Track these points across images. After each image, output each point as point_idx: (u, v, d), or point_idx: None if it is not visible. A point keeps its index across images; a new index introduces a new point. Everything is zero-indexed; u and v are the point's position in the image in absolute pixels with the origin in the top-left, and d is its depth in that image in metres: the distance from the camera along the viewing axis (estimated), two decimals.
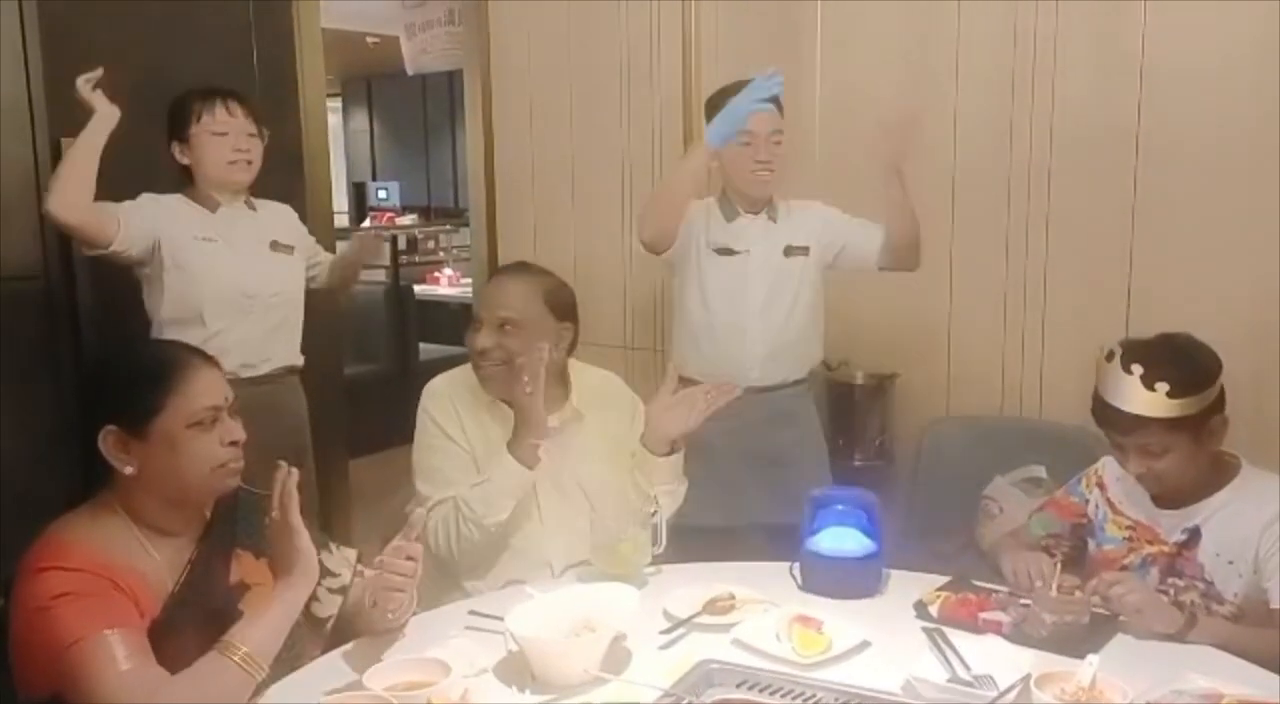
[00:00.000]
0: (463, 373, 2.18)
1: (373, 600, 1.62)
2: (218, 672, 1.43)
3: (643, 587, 1.85)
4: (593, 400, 2.18)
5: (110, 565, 1.47)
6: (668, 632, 1.72)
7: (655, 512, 1.96)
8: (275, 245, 2.71)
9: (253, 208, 2.72)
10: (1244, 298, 2.60)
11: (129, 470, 1.52)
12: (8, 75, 2.51)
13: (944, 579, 1.90)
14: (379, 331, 5.71)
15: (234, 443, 1.58)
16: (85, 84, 2.36)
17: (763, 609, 1.77)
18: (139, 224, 2.49)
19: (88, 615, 1.41)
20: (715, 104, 2.57)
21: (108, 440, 1.51)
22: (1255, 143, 2.57)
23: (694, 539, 2.20)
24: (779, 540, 2.40)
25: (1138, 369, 1.74)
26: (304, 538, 1.52)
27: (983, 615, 1.73)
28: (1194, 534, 1.84)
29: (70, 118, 2.44)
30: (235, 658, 1.43)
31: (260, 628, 1.48)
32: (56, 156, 2.58)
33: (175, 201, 2.60)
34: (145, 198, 2.56)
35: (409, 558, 1.61)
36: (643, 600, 1.70)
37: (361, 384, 4.80)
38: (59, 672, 1.39)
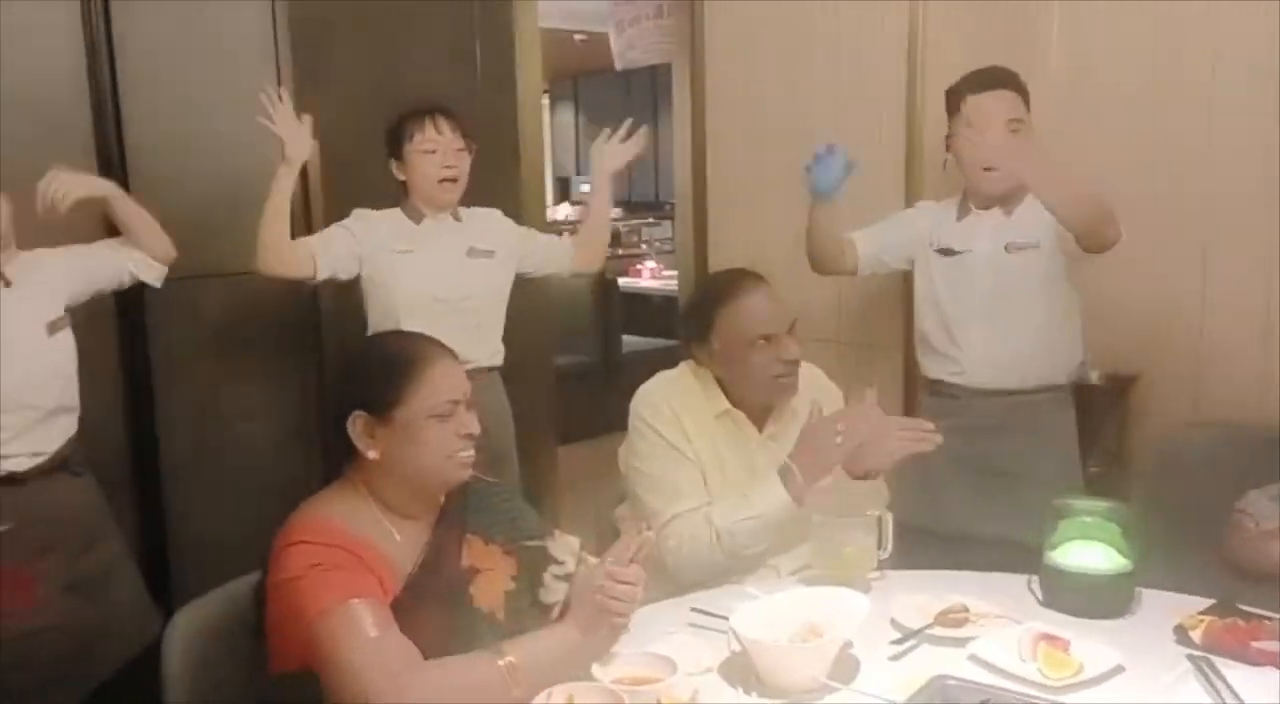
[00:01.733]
0: (678, 379, 2.14)
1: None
2: (480, 670, 1.44)
3: (867, 592, 1.77)
4: (802, 398, 2.12)
5: (358, 543, 1.53)
6: (898, 642, 1.64)
7: (879, 515, 1.88)
8: (473, 252, 2.77)
9: (458, 218, 2.80)
10: None
11: (372, 455, 1.57)
12: (257, 77, 2.66)
13: (1206, 602, 1.74)
14: (585, 324, 5.81)
15: (468, 435, 1.61)
16: (274, 105, 2.46)
17: (1001, 624, 1.67)
18: (335, 251, 2.63)
19: (337, 586, 1.46)
20: (955, 90, 2.49)
21: (356, 424, 1.57)
22: None
23: (913, 542, 2.10)
24: (996, 555, 2.20)
25: None
26: (622, 606, 1.51)
27: (1255, 645, 1.57)
28: None
29: (317, 119, 2.59)
30: (501, 663, 1.44)
31: (535, 647, 1.49)
32: None
33: (384, 216, 2.72)
34: (354, 216, 2.69)
35: (629, 582, 1.56)
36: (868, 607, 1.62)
37: (569, 374, 4.89)
38: (309, 641, 1.45)
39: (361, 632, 1.43)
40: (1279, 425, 2.64)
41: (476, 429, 1.62)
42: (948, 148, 2.55)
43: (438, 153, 2.67)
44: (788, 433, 2.07)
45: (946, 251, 2.53)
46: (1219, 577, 2.32)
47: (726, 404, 2.07)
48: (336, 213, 2.78)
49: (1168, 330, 2.82)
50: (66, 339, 2.16)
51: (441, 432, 1.58)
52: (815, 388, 2.16)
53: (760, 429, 2.10)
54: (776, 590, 1.69)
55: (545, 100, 10.18)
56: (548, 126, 10.32)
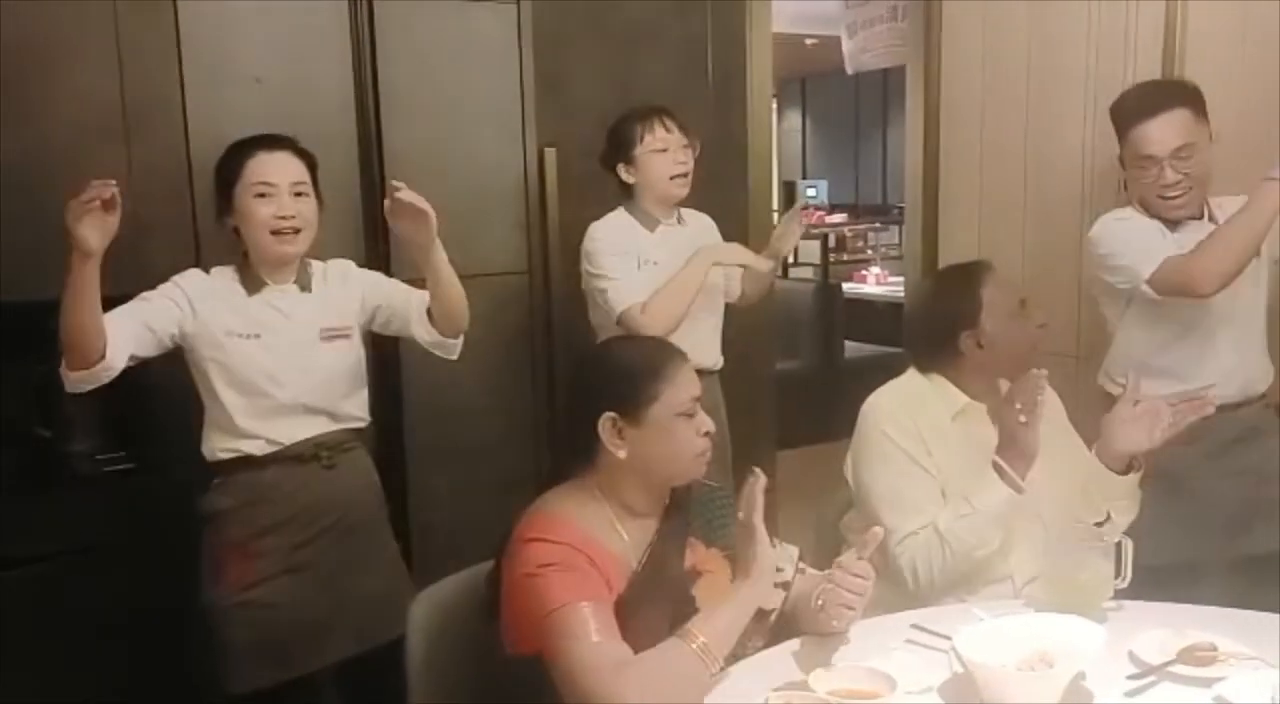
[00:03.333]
0: (909, 385, 2.11)
1: (820, 603, 1.62)
2: (677, 657, 1.50)
3: (1102, 623, 1.69)
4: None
5: (589, 542, 1.60)
6: (1136, 678, 1.56)
7: (1119, 541, 1.79)
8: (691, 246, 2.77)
9: (682, 221, 2.84)
10: None
11: (621, 454, 1.65)
12: (501, 82, 2.79)
13: None
14: (807, 328, 5.78)
15: (707, 433, 1.68)
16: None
17: (1254, 666, 1.55)
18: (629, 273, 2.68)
19: (568, 586, 1.54)
20: (1113, 120, 2.42)
21: (607, 426, 1.65)
22: None
23: (1161, 577, 1.99)
24: (1268, 575, 2.20)
25: None
26: (765, 542, 1.58)
27: None
28: None
29: (554, 126, 2.68)
30: (694, 646, 1.50)
31: (718, 622, 1.55)
32: (543, 160, 2.85)
33: (620, 225, 2.75)
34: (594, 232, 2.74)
35: (860, 576, 1.61)
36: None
37: (789, 380, 4.88)
38: (541, 633, 1.53)
39: (586, 634, 1.50)
40: None
41: (714, 427, 1.70)
42: (1124, 166, 2.44)
43: (669, 151, 2.72)
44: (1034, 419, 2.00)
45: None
46: None
47: (963, 399, 2.05)
48: (569, 219, 2.88)
49: None
50: (340, 348, 2.20)
51: (688, 429, 1.66)
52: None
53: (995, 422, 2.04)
54: (1003, 614, 1.64)
55: (773, 103, 10.22)
56: (775, 131, 10.34)
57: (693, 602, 1.66)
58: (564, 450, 1.76)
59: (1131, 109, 2.38)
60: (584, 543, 1.60)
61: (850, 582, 1.61)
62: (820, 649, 1.64)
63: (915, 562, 1.95)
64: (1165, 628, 1.66)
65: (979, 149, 3.54)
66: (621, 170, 2.77)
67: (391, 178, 2.18)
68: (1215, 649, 1.60)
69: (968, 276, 2.11)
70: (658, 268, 2.71)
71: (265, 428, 2.12)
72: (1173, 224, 2.39)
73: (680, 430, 1.65)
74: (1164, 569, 2.14)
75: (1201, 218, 2.40)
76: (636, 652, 1.52)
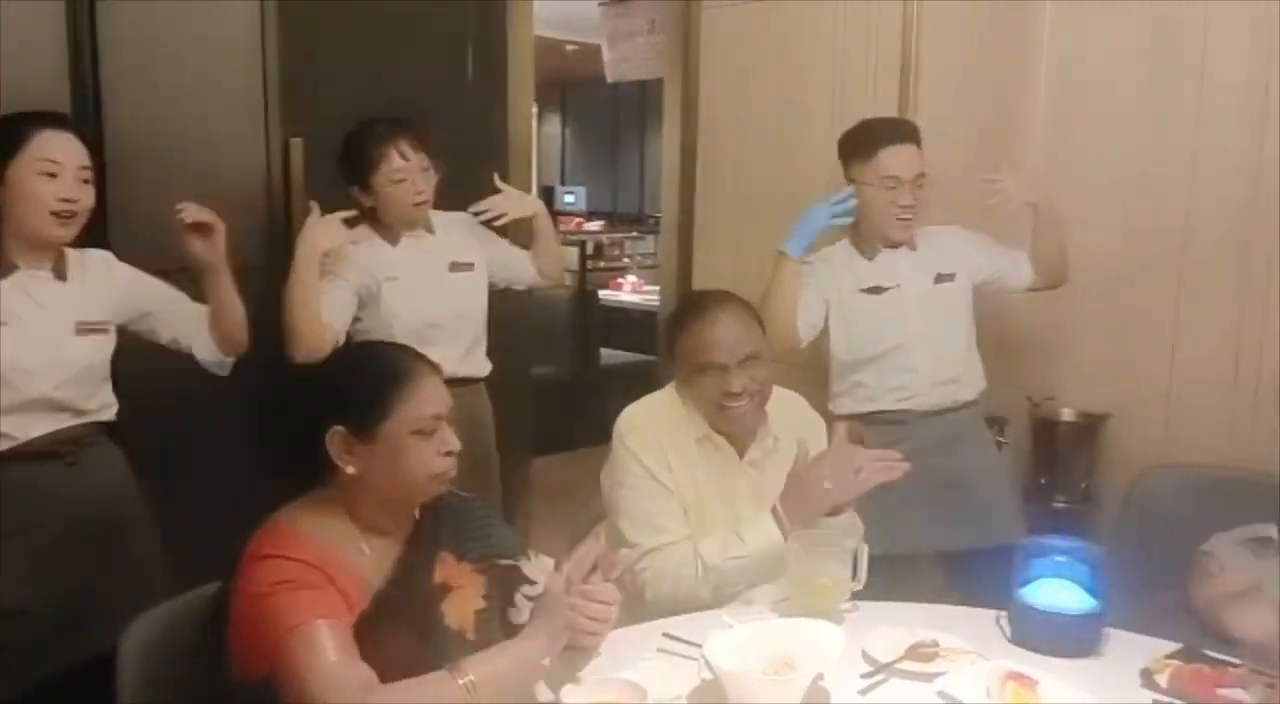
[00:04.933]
0: (662, 402, 2.12)
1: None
2: (439, 690, 1.42)
3: (839, 624, 1.77)
4: (785, 425, 2.12)
5: (328, 559, 1.51)
6: (868, 676, 1.64)
7: (856, 547, 1.88)
8: (455, 266, 2.72)
9: (431, 230, 2.72)
10: None
11: (351, 470, 1.55)
12: (245, 68, 2.63)
13: (1171, 645, 1.75)
14: (563, 335, 5.80)
15: (449, 453, 1.60)
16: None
17: (970, 660, 1.67)
18: (340, 307, 2.52)
19: (304, 604, 1.45)
20: (846, 144, 2.63)
21: (334, 440, 1.55)
22: None
23: (876, 566, 2.10)
24: (958, 568, 2.49)
25: None
26: (596, 626, 1.54)
27: (1221, 691, 1.58)
28: None
29: (304, 116, 2.53)
30: (461, 681, 1.42)
31: (493, 666, 1.47)
32: (288, 151, 2.69)
33: (356, 241, 2.59)
34: (349, 256, 2.57)
35: (604, 601, 1.58)
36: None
37: (545, 386, 4.87)
38: (274, 655, 1.43)
39: (323, 654, 1.41)
40: (1246, 469, 2.68)
41: (457, 446, 1.61)
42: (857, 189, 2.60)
43: (408, 181, 2.57)
44: (768, 460, 2.08)
45: (875, 289, 2.61)
46: (1185, 619, 2.35)
47: (706, 429, 2.06)
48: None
49: (1139, 371, 2.86)
50: (97, 342, 2.08)
51: (425, 449, 1.57)
52: (796, 416, 2.17)
53: (741, 455, 2.09)
54: (751, 620, 1.69)
55: (534, 108, 10.22)
56: (535, 134, 10.34)
57: (441, 619, 1.60)
58: (291, 463, 1.63)
59: (883, 132, 2.61)
60: (322, 559, 1.50)
61: (594, 609, 1.56)
62: (569, 664, 1.61)
63: (657, 580, 1.95)
64: (895, 626, 1.76)
65: (733, 162, 3.66)
66: (358, 193, 2.61)
67: (110, 159, 2.04)
68: (938, 646, 1.71)
69: (678, 312, 2.13)
70: (399, 282, 2.60)
71: (3, 422, 1.94)
72: (873, 252, 2.64)
73: (416, 449, 1.56)
74: (884, 558, 2.30)
75: (899, 247, 2.64)
76: (379, 672, 1.45)
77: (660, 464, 2.01)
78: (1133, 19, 2.83)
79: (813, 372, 2.71)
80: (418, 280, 2.64)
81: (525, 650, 1.50)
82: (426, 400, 1.57)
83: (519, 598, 1.68)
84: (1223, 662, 1.68)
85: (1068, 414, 2.87)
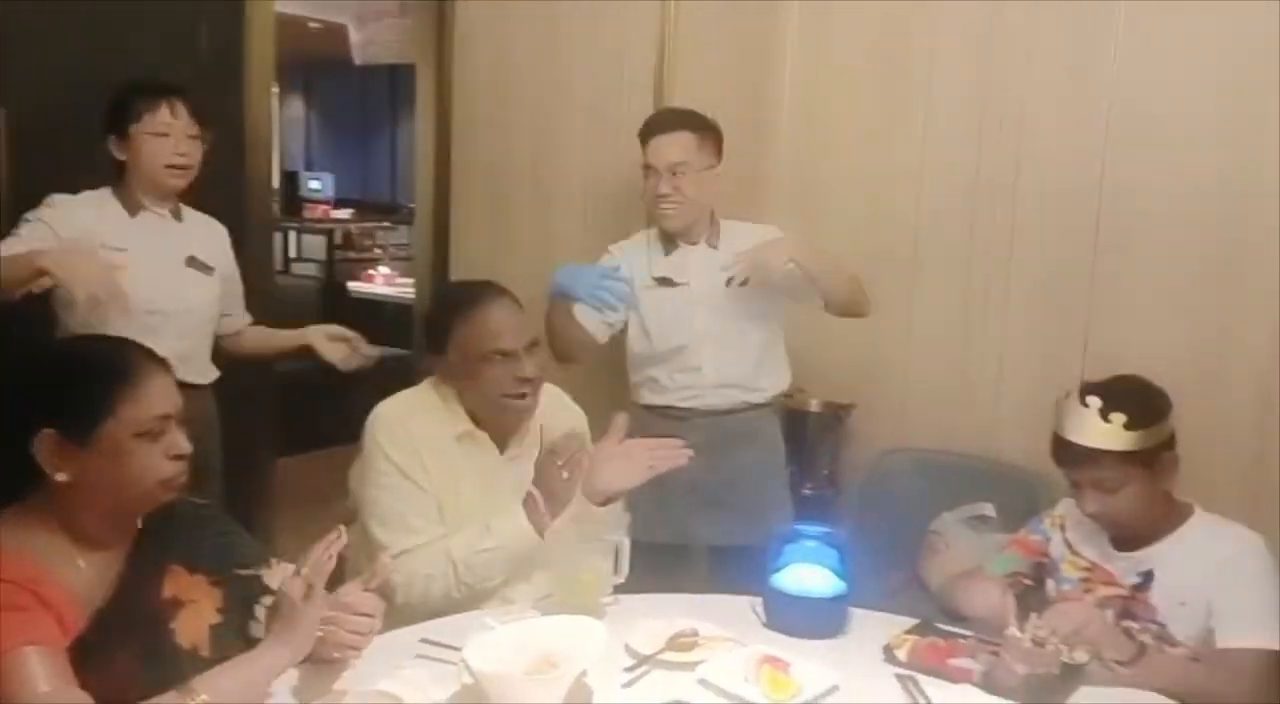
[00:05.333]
0: (418, 397, 2.03)
1: (320, 635, 1.50)
2: None
3: (601, 618, 1.76)
4: (548, 418, 2.10)
5: (36, 577, 1.35)
6: (631, 669, 1.64)
7: (617, 541, 1.88)
8: (192, 261, 2.53)
9: (179, 218, 2.54)
10: (1194, 348, 2.62)
11: (61, 478, 1.39)
12: None
13: (909, 621, 1.86)
14: None
15: (179, 456, 1.45)
16: None
17: (728, 647, 1.71)
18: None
19: (8, 629, 1.29)
20: (644, 134, 2.59)
21: (43, 444, 1.38)
22: (1211, 200, 2.60)
23: (642, 556, 2.13)
24: (731, 563, 2.45)
25: (1095, 402, 1.79)
26: (317, 610, 1.42)
27: (952, 662, 1.69)
28: (1148, 577, 1.86)
29: (12, 87, 2.26)
30: (192, 702, 1.31)
31: (228, 681, 1.36)
32: None
33: (89, 202, 2.40)
34: (50, 205, 2.35)
35: (366, 614, 1.50)
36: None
37: (291, 382, 4.62)
38: None
39: (32, 685, 1.27)
40: (970, 453, 2.91)
41: (188, 448, 1.47)
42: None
43: (171, 138, 2.42)
44: (531, 455, 2.03)
45: (665, 281, 2.60)
46: (921, 595, 2.51)
47: (468, 424, 2.00)
48: (22, 186, 2.48)
49: (878, 363, 3.03)
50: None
51: (151, 453, 1.42)
52: (558, 410, 2.14)
53: (502, 451, 2.04)
54: (512, 620, 1.65)
55: (275, 90, 9.69)
56: (277, 119, 9.82)
57: (172, 637, 1.46)
58: None
59: (656, 121, 2.61)
60: (30, 578, 1.34)
61: (355, 621, 1.48)
62: (321, 677, 1.52)
63: (408, 583, 1.88)
64: (656, 618, 1.78)
65: (493, 152, 3.58)
66: (113, 144, 2.42)
67: None
68: (697, 635, 1.74)
69: (451, 301, 2.06)
70: (127, 256, 2.36)
71: None
72: (671, 246, 2.61)
73: (140, 453, 1.40)
74: (658, 548, 2.32)
75: (697, 243, 2.61)
76: (103, 699, 1.31)
77: (414, 463, 1.94)
78: (864, 20, 3.00)
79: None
80: (147, 261, 2.41)
81: (262, 664, 1.40)
82: (153, 399, 1.43)
83: (260, 610, 1.57)
84: (954, 634, 1.81)
85: (815, 405, 3.00)
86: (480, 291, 2.04)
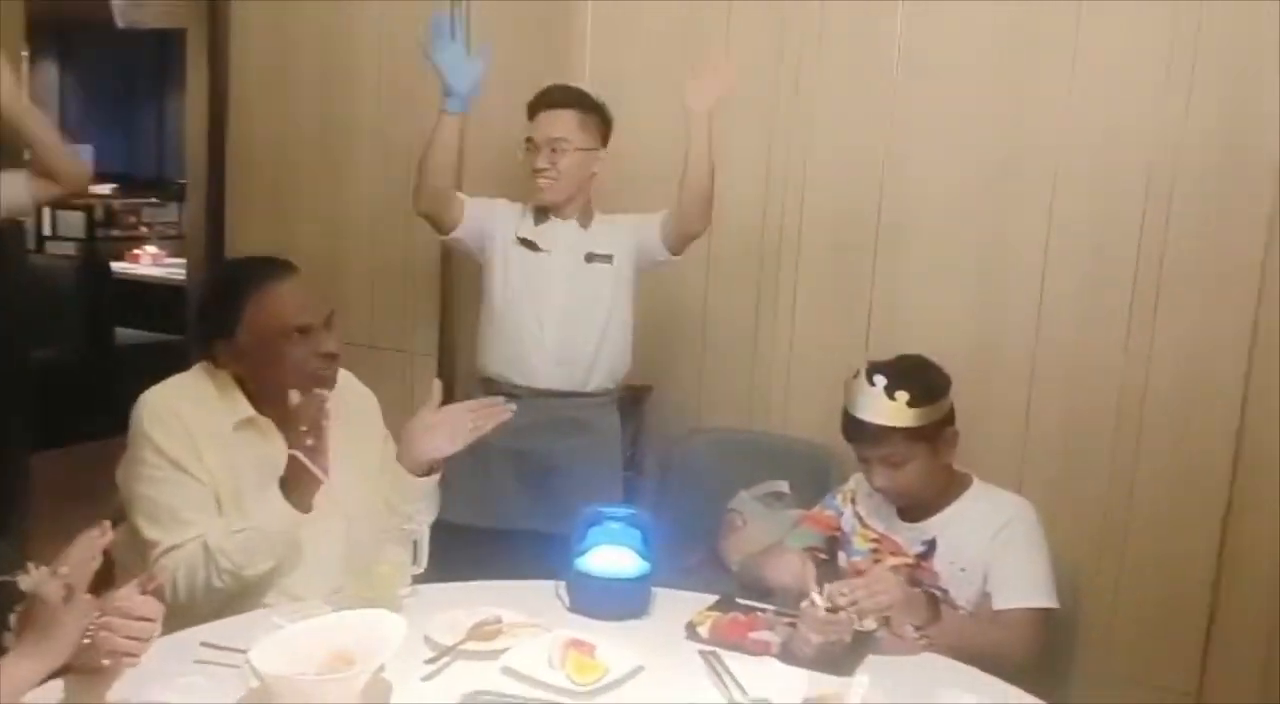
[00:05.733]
0: (191, 384, 1.88)
1: (87, 642, 1.36)
2: None
3: (399, 611, 1.69)
4: (335, 404, 1.99)
5: None
6: (432, 661, 1.58)
7: (414, 529, 1.81)
8: None
9: None
10: (968, 328, 2.78)
11: None
12: None
13: (711, 598, 1.88)
14: (69, 312, 5.09)
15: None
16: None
17: (532, 633, 1.67)
18: None
19: None
20: (531, 108, 2.60)
21: None
22: (982, 188, 2.76)
23: (454, 538, 2.07)
24: (547, 551, 2.32)
25: (880, 381, 1.88)
26: (78, 614, 1.30)
27: (752, 635, 1.72)
28: (931, 546, 1.96)
29: None
30: None
31: None
32: None
33: None
34: None
35: (146, 618, 1.38)
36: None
37: (50, 370, 4.25)
38: None
39: None
40: (764, 431, 3.00)
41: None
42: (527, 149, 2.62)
43: None
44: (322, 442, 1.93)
45: (529, 244, 2.60)
46: (722, 571, 2.57)
47: (250, 411, 1.88)
48: None
49: (675, 346, 3.07)
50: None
51: None
52: (347, 392, 2.04)
53: (288, 439, 1.92)
54: (304, 617, 1.55)
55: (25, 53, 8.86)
56: (26, 84, 8.99)
57: None
58: None
59: (543, 97, 2.60)
60: None
61: (134, 627, 1.36)
62: (90, 688, 1.39)
63: (180, 578, 1.74)
64: (457, 607, 1.72)
65: (273, 127, 3.39)
66: None
67: None
68: (500, 622, 1.70)
69: (240, 278, 1.92)
70: None
71: None
72: (543, 217, 2.60)
73: None
74: (457, 528, 2.26)
75: (569, 220, 2.60)
76: None
77: (188, 453, 1.79)
78: (661, 10, 3.02)
79: None
80: None
81: (10, 675, 1.28)
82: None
83: (14, 619, 1.41)
84: (753, 608, 1.84)
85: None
86: (272, 267, 1.91)
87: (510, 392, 2.52)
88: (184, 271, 4.97)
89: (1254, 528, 2.58)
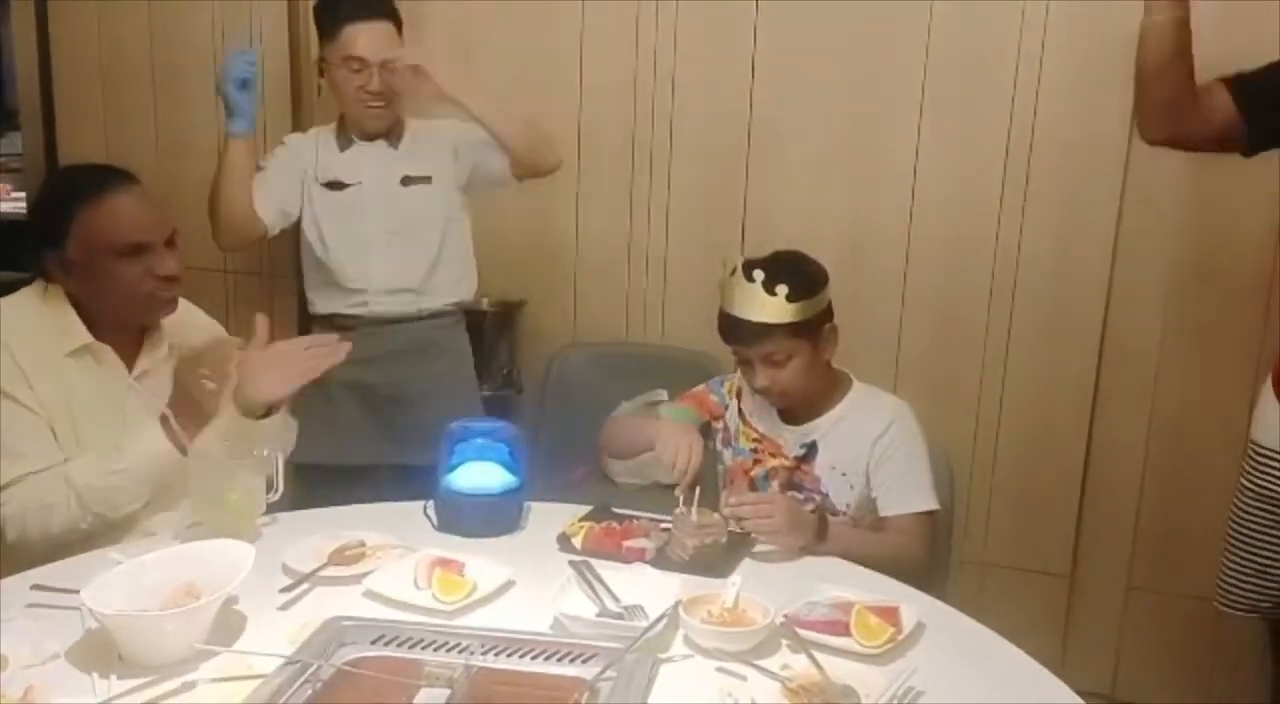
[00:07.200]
0: (20, 308, 1.75)
1: None
2: None
3: (256, 540, 1.61)
4: (177, 332, 1.87)
5: None
6: (288, 590, 1.51)
7: (268, 453, 1.71)
8: None
9: None
10: (842, 222, 2.76)
11: None
12: None
13: (585, 509, 1.84)
14: None
15: None
16: None
17: (398, 555, 1.61)
18: None
19: None
20: (315, 18, 2.42)
21: None
22: (854, 81, 2.72)
23: (316, 479, 1.98)
24: (413, 483, 2.23)
25: (759, 275, 1.81)
26: None
27: (626, 544, 1.69)
28: (811, 449, 1.94)
29: None
30: None
31: None
32: None
33: None
34: None
35: None
36: (258, 556, 1.45)
37: None
38: None
39: None
40: (639, 342, 2.96)
41: None
42: (320, 74, 2.45)
43: None
44: (163, 371, 1.83)
45: (335, 185, 2.44)
46: (601, 485, 2.53)
47: (87, 337, 1.75)
48: None
49: (549, 259, 2.99)
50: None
51: None
52: (191, 322, 1.92)
53: (130, 367, 1.80)
54: (144, 552, 1.45)
55: None
56: None
57: None
58: None
59: (347, 5, 2.35)
60: None
61: None
62: None
63: (20, 515, 1.64)
64: (317, 533, 1.65)
65: (98, 46, 3.16)
66: None
67: None
68: (364, 545, 1.63)
69: (70, 187, 1.78)
70: None
71: None
72: (346, 142, 2.44)
73: None
74: (314, 469, 2.17)
75: (375, 141, 2.44)
76: None
77: (18, 381, 1.67)
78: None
79: None
80: None
81: None
82: None
83: None
84: (628, 517, 1.81)
85: (486, 304, 2.91)
86: (108, 176, 1.77)
87: (348, 325, 2.42)
88: (24, 205, 4.66)
89: (1120, 415, 2.65)
